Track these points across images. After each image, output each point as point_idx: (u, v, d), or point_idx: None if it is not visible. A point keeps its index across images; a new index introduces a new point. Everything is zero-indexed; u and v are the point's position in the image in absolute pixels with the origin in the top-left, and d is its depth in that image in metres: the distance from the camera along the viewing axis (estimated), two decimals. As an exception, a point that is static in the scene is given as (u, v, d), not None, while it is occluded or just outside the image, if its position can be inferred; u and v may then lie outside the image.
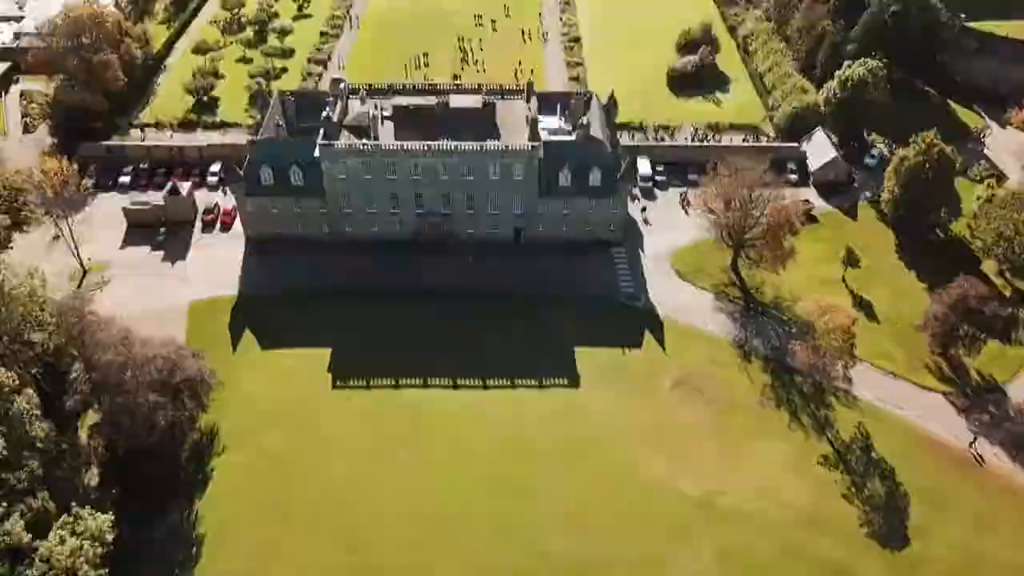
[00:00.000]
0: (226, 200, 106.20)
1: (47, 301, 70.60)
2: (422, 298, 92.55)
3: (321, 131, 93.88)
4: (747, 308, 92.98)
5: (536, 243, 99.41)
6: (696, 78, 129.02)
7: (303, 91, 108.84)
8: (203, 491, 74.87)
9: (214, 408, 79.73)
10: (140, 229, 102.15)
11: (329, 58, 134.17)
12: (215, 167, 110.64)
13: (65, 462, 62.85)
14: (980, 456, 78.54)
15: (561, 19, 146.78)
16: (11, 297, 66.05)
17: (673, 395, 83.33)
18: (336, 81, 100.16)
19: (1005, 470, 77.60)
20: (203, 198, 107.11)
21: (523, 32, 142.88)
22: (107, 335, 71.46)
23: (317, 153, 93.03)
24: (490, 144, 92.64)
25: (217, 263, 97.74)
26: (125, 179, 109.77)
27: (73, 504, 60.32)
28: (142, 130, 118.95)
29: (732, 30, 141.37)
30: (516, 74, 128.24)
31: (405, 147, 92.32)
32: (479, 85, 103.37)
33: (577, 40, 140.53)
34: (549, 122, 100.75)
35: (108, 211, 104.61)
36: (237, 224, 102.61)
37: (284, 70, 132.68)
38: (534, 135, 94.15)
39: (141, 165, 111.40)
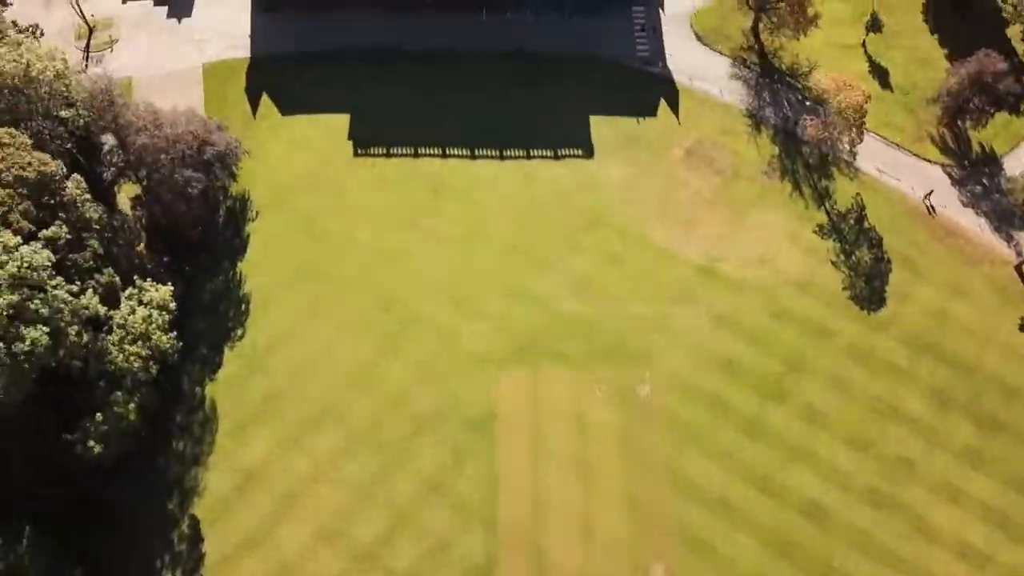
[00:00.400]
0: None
1: (74, 83, 70.93)
2: (443, 59, 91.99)
3: None
4: (763, 75, 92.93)
5: None
6: None
7: None
8: (243, 255, 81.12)
9: (242, 176, 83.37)
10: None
11: None
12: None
13: (120, 238, 67.80)
14: (932, 207, 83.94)
15: None
16: (38, 81, 66.52)
17: (684, 164, 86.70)
18: None
19: (985, 239, 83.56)
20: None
21: None
22: (136, 114, 72.91)
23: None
24: None
25: (225, 21, 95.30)
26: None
27: (135, 278, 66.40)
28: None
29: None
30: None
31: None
32: None
33: None
34: None
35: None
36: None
37: None
38: None
39: None
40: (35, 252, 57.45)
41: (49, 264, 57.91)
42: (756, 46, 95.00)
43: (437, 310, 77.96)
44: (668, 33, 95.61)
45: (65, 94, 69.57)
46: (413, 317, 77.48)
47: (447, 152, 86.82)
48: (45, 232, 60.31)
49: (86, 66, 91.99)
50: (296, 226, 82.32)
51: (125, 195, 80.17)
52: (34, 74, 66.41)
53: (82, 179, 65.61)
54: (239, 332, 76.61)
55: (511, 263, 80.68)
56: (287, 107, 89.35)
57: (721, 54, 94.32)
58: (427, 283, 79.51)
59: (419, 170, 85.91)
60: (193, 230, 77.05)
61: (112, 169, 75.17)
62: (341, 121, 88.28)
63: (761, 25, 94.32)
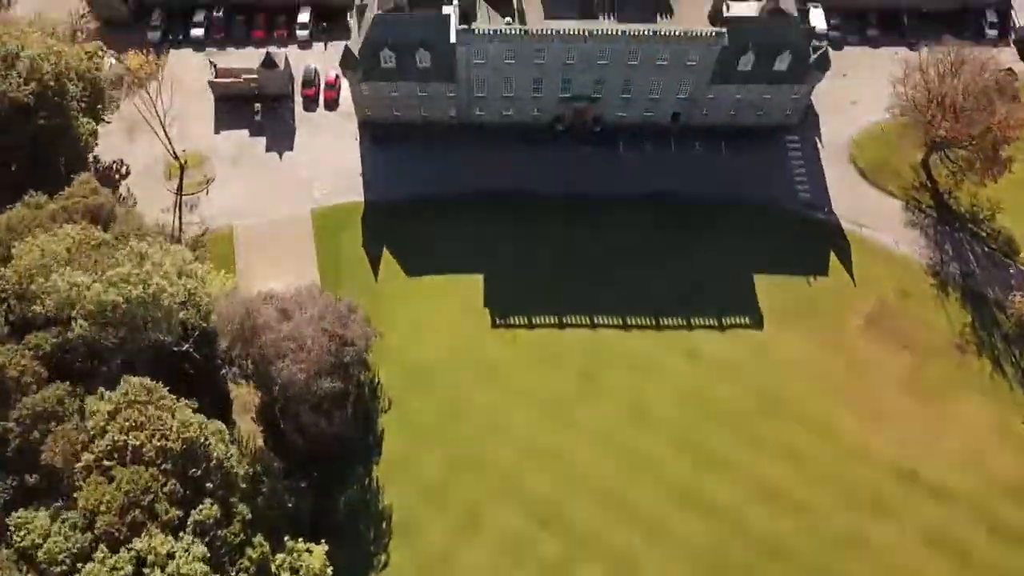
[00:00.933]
0: (325, 65, 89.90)
1: (208, 304, 60.70)
2: (572, 204, 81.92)
3: (455, 7, 76.17)
4: (940, 220, 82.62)
5: (695, 127, 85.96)
6: None
7: None
8: (378, 455, 71.22)
9: (372, 354, 73.42)
10: (230, 103, 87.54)
11: None
12: (303, 15, 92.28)
13: (264, 485, 57.82)
14: None
15: None
16: (168, 309, 56.09)
17: (865, 336, 76.58)
18: (464, -78, 79.39)
19: None
20: (295, 58, 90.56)
21: None
22: (266, 317, 62.61)
23: (453, 39, 76.22)
24: (665, 28, 75.58)
25: (330, 155, 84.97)
26: (198, 31, 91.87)
27: (286, 539, 56.61)
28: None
29: None
30: None
31: (560, 31, 75.34)
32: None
33: None
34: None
35: (187, 74, 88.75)
36: (343, 98, 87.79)
37: None
38: (716, 11, 76.60)
39: (215, 13, 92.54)
40: (189, 560, 47.55)
41: (207, 569, 48.10)
42: (928, 184, 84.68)
43: (604, 528, 68.14)
44: (828, 168, 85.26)
45: (197, 323, 59.38)
46: (578, 539, 67.61)
47: (596, 322, 76.76)
48: (195, 515, 50.51)
49: (179, 215, 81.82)
50: (432, 415, 72.42)
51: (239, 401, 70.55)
52: (164, 301, 56.05)
53: (223, 427, 55.61)
54: (381, 559, 66.86)
55: (682, 463, 70.81)
56: (412, 266, 79.16)
57: (891, 195, 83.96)
58: (589, 490, 69.66)
59: (567, 344, 75.79)
60: (333, 447, 66.83)
61: (234, 376, 65.30)
62: (474, 283, 78.11)
63: (933, 159, 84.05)
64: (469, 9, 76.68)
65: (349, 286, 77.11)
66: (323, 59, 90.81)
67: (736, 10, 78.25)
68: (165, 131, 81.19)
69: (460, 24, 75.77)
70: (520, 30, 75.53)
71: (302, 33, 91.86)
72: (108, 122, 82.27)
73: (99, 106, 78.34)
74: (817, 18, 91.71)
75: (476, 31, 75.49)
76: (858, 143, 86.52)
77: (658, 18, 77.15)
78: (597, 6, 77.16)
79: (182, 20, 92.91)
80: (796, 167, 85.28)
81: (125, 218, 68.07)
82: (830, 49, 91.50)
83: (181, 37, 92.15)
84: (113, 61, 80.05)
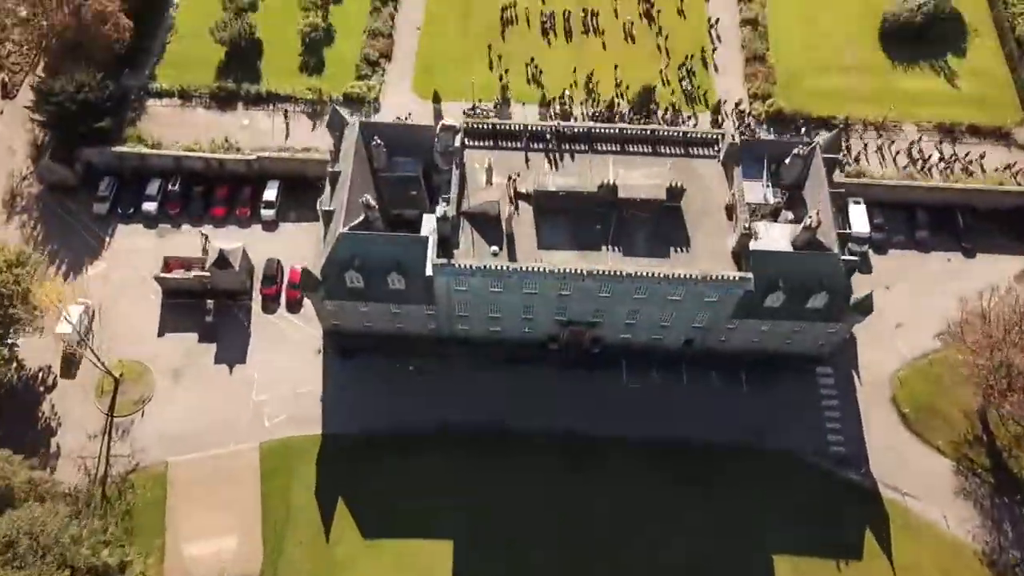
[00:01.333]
0: (291, 251, 78.69)
1: None
2: (564, 447, 70.25)
3: (433, 232, 64.79)
4: (998, 490, 69.99)
5: (712, 352, 74.05)
6: (922, 29, 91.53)
7: (394, 124, 75.09)
8: None
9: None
10: (179, 298, 76.44)
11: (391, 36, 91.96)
12: (270, 192, 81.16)
13: None
14: None
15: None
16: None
17: (903, 649, 64.19)
18: (447, 130, 67.83)
19: None
20: (259, 242, 79.29)
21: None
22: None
23: (429, 271, 64.76)
24: (679, 271, 63.68)
25: (287, 371, 73.50)
26: (150, 206, 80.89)
27: None
28: (158, 96, 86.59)
29: None
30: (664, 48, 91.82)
31: (554, 270, 63.62)
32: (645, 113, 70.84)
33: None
34: (749, 190, 69.56)
35: (133, 256, 78.02)
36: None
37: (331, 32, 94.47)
38: (743, 246, 64.59)
39: (170, 186, 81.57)
40: None
41: None
42: (984, 437, 72.11)
43: None
44: (866, 411, 72.90)
45: None
46: None
47: (589, 615, 64.81)
48: None
49: (108, 443, 70.70)
50: None
51: None
52: None
53: None
54: None
55: None
56: (370, 524, 67.38)
57: (939, 451, 71.38)
58: None
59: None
60: None
61: None
62: (442, 552, 66.32)
63: (991, 407, 71.63)
64: (450, 234, 65.19)
65: (294, 551, 65.79)
66: (291, 244, 79.63)
67: (765, 242, 66.31)
68: (94, 351, 70.27)
69: (439, 255, 64.32)
70: (507, 266, 63.87)
71: (267, 213, 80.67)
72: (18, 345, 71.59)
73: (13, 329, 67.47)
74: (858, 218, 79.62)
75: (455, 264, 63.99)
76: (902, 380, 74.09)
77: (671, 251, 65.29)
78: (599, 236, 65.47)
79: (134, 190, 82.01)
80: (828, 408, 72.96)
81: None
82: (872, 253, 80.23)
83: (132, 211, 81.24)
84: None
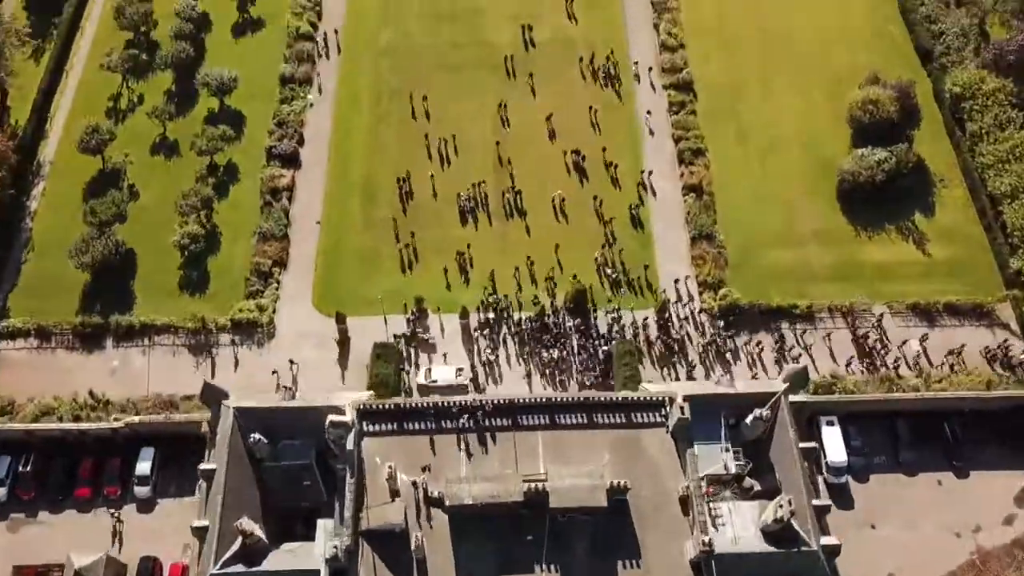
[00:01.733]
0: (172, 543, 65.84)
1: None
2: None
3: (324, 570, 52.58)
4: None
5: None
6: (884, 186, 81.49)
7: (277, 408, 62.15)
8: None
9: None
10: (38, 612, 63.29)
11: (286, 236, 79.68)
12: (143, 464, 68.15)
13: None
14: None
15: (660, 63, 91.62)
16: None
17: None
18: (338, 427, 55.72)
19: None
20: (133, 547, 65.94)
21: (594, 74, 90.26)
22: None
23: (320, 619, 52.62)
24: (629, 595, 52.31)
25: None
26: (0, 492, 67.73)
27: None
28: (10, 337, 73.72)
29: (935, 90, 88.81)
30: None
31: (476, 604, 51.92)
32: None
33: (686, 87, 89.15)
34: (705, 455, 58.33)
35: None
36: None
37: (230, 174, 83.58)
38: (705, 552, 53.25)
39: (22, 467, 68.21)
40: None
41: None
42: None
43: None
44: None
45: None
46: None
47: None
48: None
49: None
50: None
51: None
52: None
53: None
54: None
55: None
56: None
57: None
58: None
59: None
60: None
61: None
62: None
63: None
64: (345, 566, 53.04)
65: None
66: (172, 526, 66.77)
67: (730, 533, 55.09)
68: None
69: (332, 599, 52.24)
70: (417, 607, 51.99)
71: (142, 491, 67.59)
72: None
73: None
74: (833, 443, 68.67)
75: (353, 608, 51.95)
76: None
77: (618, 567, 53.81)
78: (530, 551, 53.75)
79: (-19, 471, 68.72)
80: None
81: None
82: (851, 481, 69.86)
83: (-23, 497, 67.95)
84: None
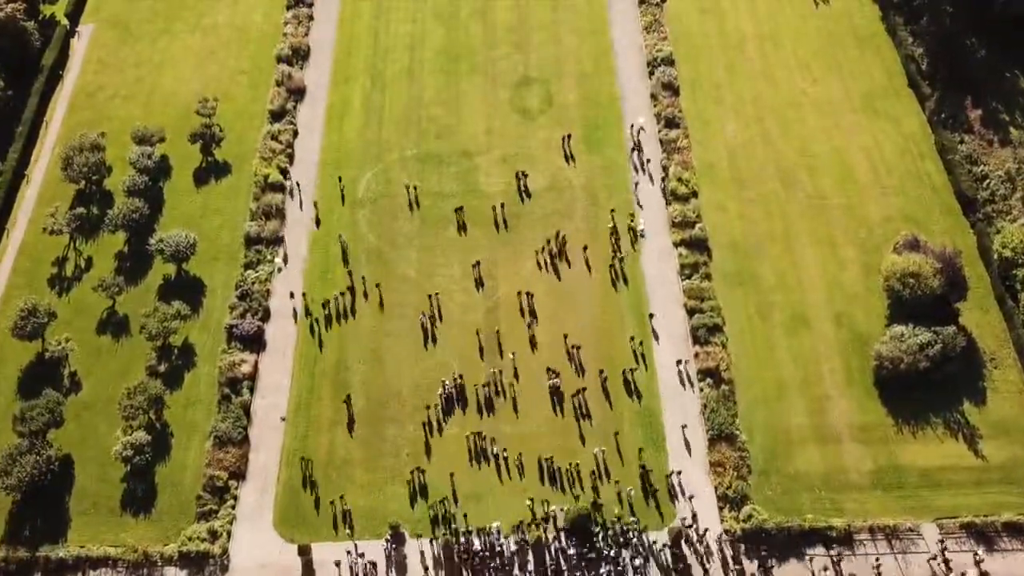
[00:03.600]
0: None
1: None
2: None
3: None
4: None
5: None
6: (928, 373, 71.28)
7: None
8: None
9: None
10: None
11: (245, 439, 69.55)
12: None
13: None
14: None
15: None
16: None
17: None
18: None
19: None
20: None
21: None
22: None
23: None
24: None
25: None
26: None
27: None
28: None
29: (980, 245, 79.12)
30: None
31: None
32: None
33: (700, 245, 79.46)
34: None
35: None
36: None
37: (185, 358, 74.09)
38: None
39: None
40: None
41: None
42: None
43: None
44: None
45: None
46: None
47: None
48: None
49: None
50: None
51: None
52: None
53: None
54: None
55: None
56: None
57: None
58: None
59: None
60: None
61: None
62: None
63: None
64: None
65: None
66: None
67: None
68: None
69: None
70: None
71: None
72: None
73: None
74: None
75: None
76: None
77: None
78: None
79: None
80: None
81: None
82: None
83: None
84: None
